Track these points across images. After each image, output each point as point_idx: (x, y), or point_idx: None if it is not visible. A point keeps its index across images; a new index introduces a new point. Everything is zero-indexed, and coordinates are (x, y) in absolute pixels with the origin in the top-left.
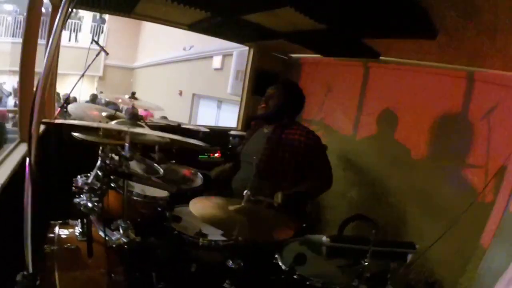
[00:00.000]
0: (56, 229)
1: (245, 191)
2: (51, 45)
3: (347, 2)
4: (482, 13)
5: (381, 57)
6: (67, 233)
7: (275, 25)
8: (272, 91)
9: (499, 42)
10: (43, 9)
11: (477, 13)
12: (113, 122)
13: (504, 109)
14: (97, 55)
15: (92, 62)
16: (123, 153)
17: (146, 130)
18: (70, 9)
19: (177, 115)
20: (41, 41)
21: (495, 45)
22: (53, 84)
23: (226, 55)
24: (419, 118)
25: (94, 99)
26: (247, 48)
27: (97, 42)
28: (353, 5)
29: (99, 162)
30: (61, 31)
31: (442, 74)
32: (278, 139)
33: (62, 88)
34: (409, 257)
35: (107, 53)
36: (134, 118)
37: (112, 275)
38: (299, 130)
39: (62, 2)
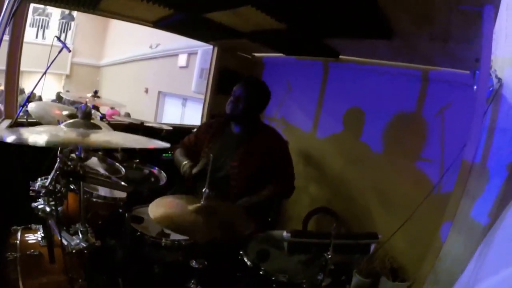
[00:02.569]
0: (18, 235)
1: (203, 189)
2: None
3: (307, 2)
4: (435, 21)
5: (340, 57)
6: (30, 238)
7: (238, 24)
8: (241, 90)
9: (449, 48)
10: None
11: (430, 20)
12: (65, 122)
13: (457, 106)
14: (59, 52)
15: (54, 59)
16: (77, 153)
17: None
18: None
19: (143, 113)
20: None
21: (446, 51)
22: (15, 82)
23: (191, 54)
24: (377, 115)
25: (59, 97)
26: (211, 46)
27: (59, 39)
28: (313, 5)
29: (57, 164)
30: (6, 24)
31: (398, 74)
32: (252, 143)
33: (29, 86)
34: (372, 247)
35: (69, 50)
36: (87, 117)
37: (80, 280)
38: (270, 133)
39: None
